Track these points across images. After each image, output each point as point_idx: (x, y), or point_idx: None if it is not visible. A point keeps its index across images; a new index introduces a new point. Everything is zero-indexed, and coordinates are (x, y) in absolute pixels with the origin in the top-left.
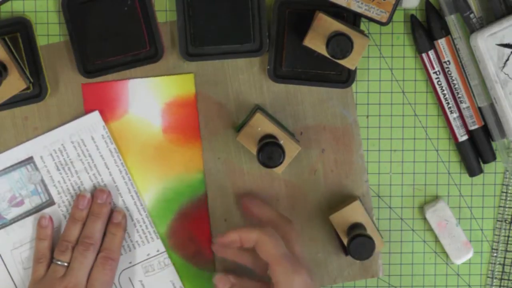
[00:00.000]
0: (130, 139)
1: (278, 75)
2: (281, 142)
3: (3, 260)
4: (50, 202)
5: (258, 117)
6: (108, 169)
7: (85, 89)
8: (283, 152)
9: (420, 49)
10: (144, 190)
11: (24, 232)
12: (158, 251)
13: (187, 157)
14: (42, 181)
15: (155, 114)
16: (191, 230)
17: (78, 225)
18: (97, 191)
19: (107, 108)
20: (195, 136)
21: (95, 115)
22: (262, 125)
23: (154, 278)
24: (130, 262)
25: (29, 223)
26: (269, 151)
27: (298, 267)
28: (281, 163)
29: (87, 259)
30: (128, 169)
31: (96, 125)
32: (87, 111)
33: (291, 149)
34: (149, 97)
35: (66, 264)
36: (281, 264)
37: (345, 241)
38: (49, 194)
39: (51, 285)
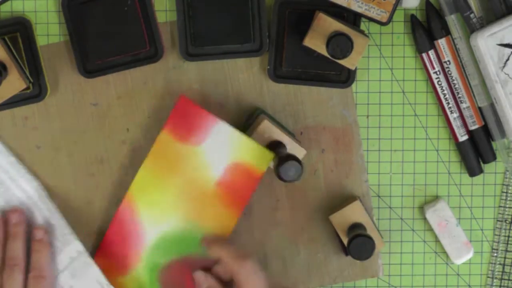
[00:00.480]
0: (185, 167)
1: (278, 75)
2: (287, 147)
3: None
4: None
5: (266, 124)
6: (14, 181)
7: (182, 100)
8: (301, 165)
9: (420, 49)
10: (168, 215)
11: None
12: (78, 251)
13: (220, 219)
14: None
15: (220, 164)
16: (182, 277)
17: None
18: (9, 213)
19: (187, 129)
20: (239, 209)
21: None
22: (269, 132)
23: (81, 281)
24: (58, 270)
25: None
26: (289, 167)
27: None
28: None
29: (16, 281)
30: (164, 188)
31: None
32: (170, 119)
33: (297, 152)
34: (225, 146)
35: None
36: None
37: (345, 241)
38: None
39: None
